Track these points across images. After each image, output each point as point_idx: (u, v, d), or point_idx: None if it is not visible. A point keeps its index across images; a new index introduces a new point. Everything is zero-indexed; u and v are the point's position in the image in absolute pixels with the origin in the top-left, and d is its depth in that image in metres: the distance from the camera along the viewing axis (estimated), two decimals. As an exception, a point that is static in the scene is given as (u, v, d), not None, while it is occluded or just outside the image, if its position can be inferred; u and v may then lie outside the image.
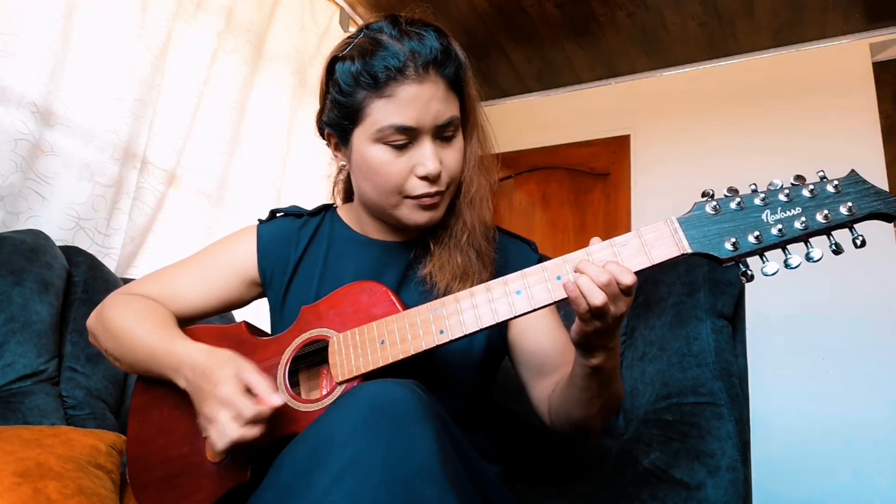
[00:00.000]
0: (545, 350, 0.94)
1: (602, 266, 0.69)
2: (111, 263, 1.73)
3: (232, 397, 0.72)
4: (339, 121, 0.88)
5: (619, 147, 3.19)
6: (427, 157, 0.84)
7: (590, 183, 3.23)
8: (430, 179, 0.85)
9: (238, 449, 0.73)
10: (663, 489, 1.03)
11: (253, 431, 0.71)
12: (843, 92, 2.77)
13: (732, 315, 1.17)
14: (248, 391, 0.74)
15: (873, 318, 2.47)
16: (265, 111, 2.32)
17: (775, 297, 2.53)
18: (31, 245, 1.29)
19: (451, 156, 0.88)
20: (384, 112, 0.83)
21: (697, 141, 3.01)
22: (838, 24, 2.75)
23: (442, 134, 0.86)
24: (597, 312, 0.69)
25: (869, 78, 2.75)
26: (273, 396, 0.73)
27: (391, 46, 0.83)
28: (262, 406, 0.72)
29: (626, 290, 0.69)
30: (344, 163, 0.96)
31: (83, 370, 1.30)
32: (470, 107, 0.92)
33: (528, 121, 3.44)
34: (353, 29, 2.80)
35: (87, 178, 1.68)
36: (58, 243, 1.40)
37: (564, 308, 1.31)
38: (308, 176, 2.51)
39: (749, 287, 1.23)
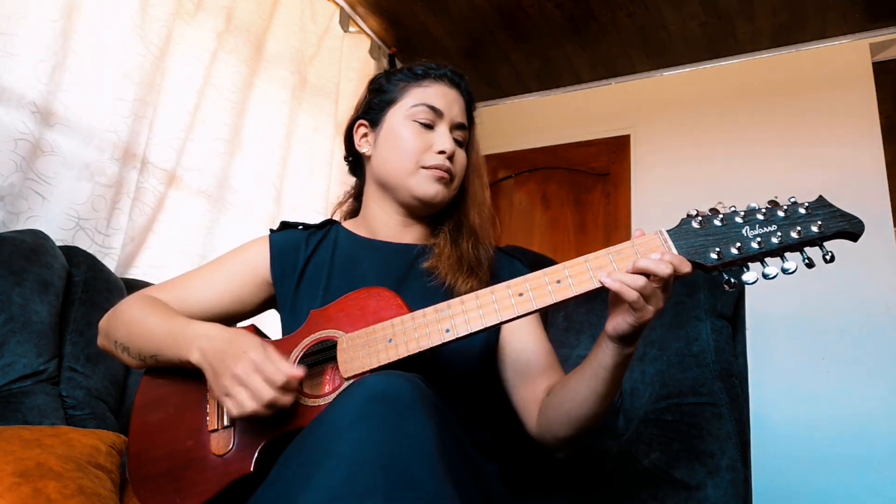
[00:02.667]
0: (530, 350, 0.97)
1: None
2: (111, 263, 1.73)
3: (261, 361, 0.75)
4: (377, 104, 1.06)
5: (619, 147, 3.19)
6: (444, 136, 1.02)
7: (590, 183, 3.23)
8: (445, 155, 1.00)
9: (251, 426, 0.78)
10: (663, 489, 1.03)
11: (285, 398, 0.75)
12: (843, 92, 2.77)
13: (732, 315, 1.17)
14: (272, 362, 0.77)
15: (873, 318, 2.47)
16: (265, 111, 2.32)
17: (775, 297, 2.53)
18: (31, 245, 1.29)
19: (460, 155, 1.04)
20: (419, 95, 1.03)
21: (697, 141, 3.01)
22: (838, 24, 2.76)
23: (455, 134, 1.04)
24: (665, 285, 0.74)
25: (869, 78, 2.75)
26: (294, 367, 0.77)
27: (433, 65, 1.06)
28: (291, 374, 0.75)
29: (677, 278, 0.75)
30: (367, 149, 1.06)
31: (83, 370, 1.30)
32: (473, 136, 1.09)
33: (528, 121, 3.44)
34: (353, 29, 2.82)
35: (87, 178, 1.68)
36: (58, 243, 1.40)
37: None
38: (308, 176, 2.51)
39: (749, 287, 1.23)
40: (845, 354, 2.47)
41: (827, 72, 2.83)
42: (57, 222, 1.60)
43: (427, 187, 1.00)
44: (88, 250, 1.53)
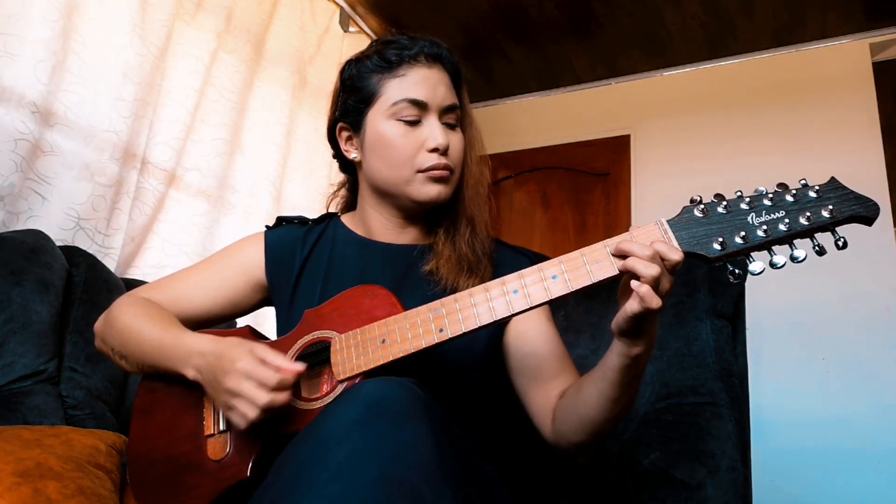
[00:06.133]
0: (542, 353, 0.93)
1: (648, 244, 0.71)
2: (111, 263, 1.73)
3: (251, 368, 0.75)
4: (354, 105, 0.96)
5: (619, 147, 3.19)
6: (435, 129, 0.92)
7: (590, 183, 3.23)
8: (440, 152, 0.92)
9: (256, 428, 0.76)
10: (663, 489, 1.03)
11: (281, 396, 0.74)
12: (843, 92, 2.77)
13: (732, 315, 1.17)
14: (264, 364, 0.76)
15: (873, 318, 2.47)
16: (265, 111, 2.32)
17: (775, 297, 2.53)
18: (31, 245, 1.29)
19: (455, 141, 0.95)
20: (398, 89, 0.93)
21: (697, 141, 3.01)
22: (838, 24, 2.75)
23: (446, 118, 0.95)
24: (653, 285, 0.68)
25: (869, 78, 2.75)
26: (292, 363, 0.76)
27: (404, 41, 0.95)
28: (284, 373, 0.75)
29: (671, 268, 0.70)
30: (356, 155, 0.99)
31: (83, 370, 1.30)
32: (465, 108, 1.00)
33: (528, 121, 3.44)
34: (353, 29, 2.82)
35: (87, 178, 1.68)
36: (58, 243, 1.40)
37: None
38: (308, 176, 2.51)
39: (749, 287, 1.23)
40: (845, 354, 2.47)
41: (827, 72, 2.82)
42: (57, 222, 1.60)
43: (427, 190, 0.93)
44: (88, 250, 1.53)
